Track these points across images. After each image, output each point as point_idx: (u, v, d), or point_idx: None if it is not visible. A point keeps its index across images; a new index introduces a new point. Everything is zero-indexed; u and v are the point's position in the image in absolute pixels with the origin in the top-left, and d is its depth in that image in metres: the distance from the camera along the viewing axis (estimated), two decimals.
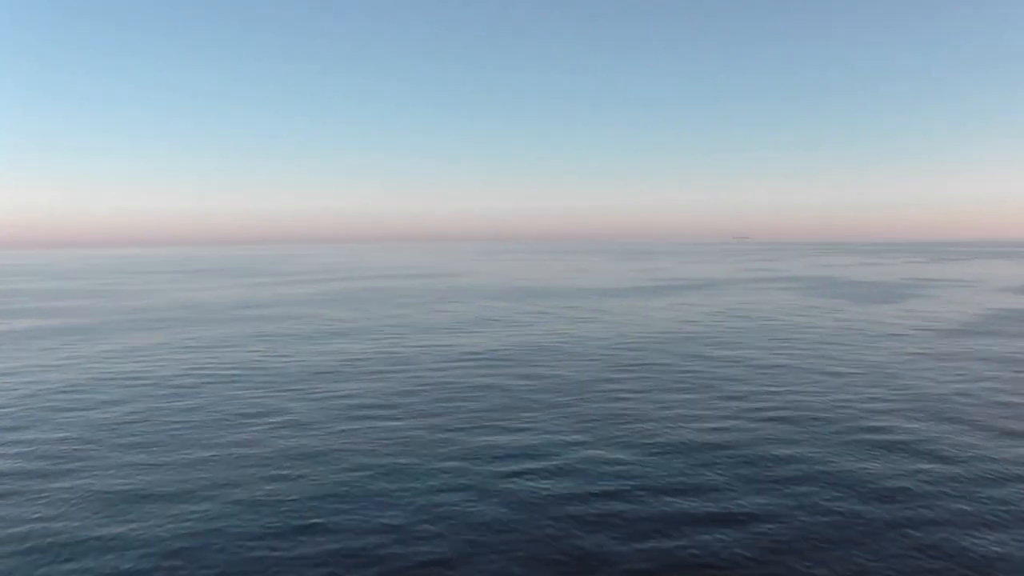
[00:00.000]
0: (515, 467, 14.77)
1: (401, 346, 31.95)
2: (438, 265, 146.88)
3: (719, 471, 14.33)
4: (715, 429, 17.50)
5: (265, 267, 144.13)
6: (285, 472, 14.62)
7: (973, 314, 43.20)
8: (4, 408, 20.59)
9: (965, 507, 12.33)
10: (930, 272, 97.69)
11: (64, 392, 22.79)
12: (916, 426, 17.56)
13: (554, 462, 15.04)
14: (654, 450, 15.80)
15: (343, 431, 17.71)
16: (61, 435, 17.55)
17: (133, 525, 11.91)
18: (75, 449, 16.33)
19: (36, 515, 12.36)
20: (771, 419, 18.43)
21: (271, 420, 18.90)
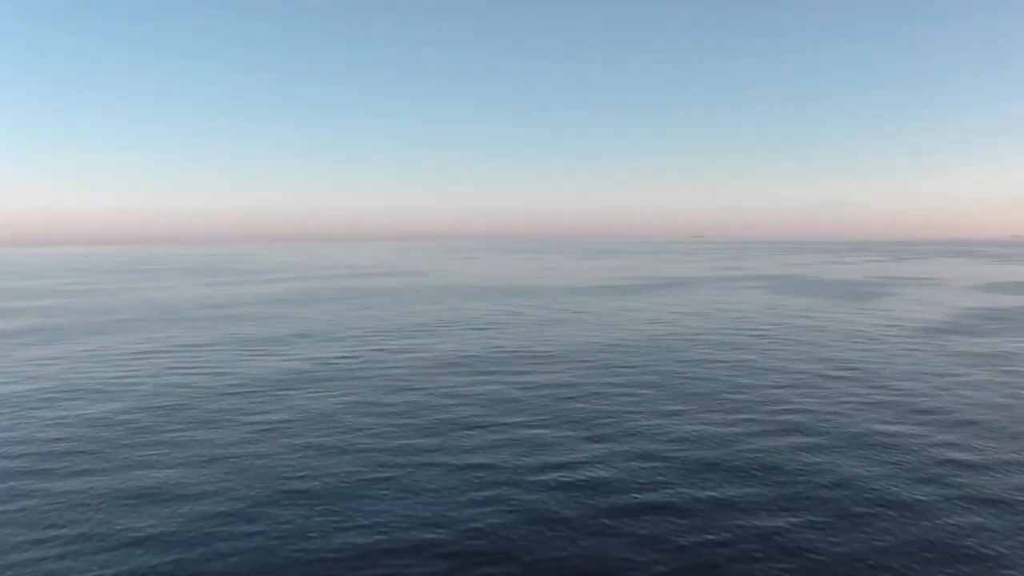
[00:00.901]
0: (515, 474, 14.35)
1: (389, 347, 31.28)
2: (419, 264, 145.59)
3: (723, 475, 14.18)
4: (716, 433, 17.37)
5: (259, 266, 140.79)
6: (272, 481, 13.93)
7: (949, 312, 44.35)
8: None
9: (971, 508, 12.37)
10: (895, 271, 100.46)
11: (28, 397, 21.49)
12: (913, 427, 17.75)
13: (556, 467, 14.70)
14: (658, 453, 15.58)
15: (333, 434, 17.07)
16: (27, 441, 16.47)
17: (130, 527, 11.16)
18: (46, 454, 15.31)
19: (18, 519, 11.56)
20: (767, 422, 18.40)
21: (250, 422, 18.04)
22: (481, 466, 14.89)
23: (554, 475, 14.32)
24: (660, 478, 14.08)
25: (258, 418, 19.11)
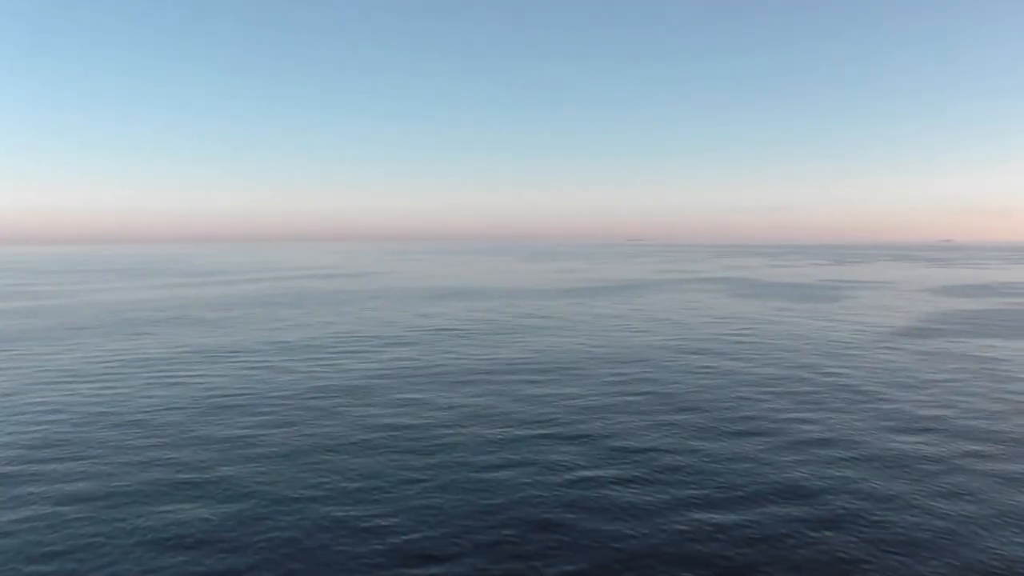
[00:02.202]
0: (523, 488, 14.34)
1: (360, 354, 30.69)
2: (367, 266, 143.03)
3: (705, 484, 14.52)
4: (721, 445, 17.67)
5: (196, 267, 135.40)
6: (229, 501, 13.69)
7: (911, 314, 46.30)
8: None
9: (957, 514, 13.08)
10: (844, 274, 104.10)
11: None
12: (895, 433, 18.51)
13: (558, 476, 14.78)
14: (658, 468, 15.81)
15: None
16: None
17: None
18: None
19: None
20: (743, 432, 18.83)
21: (210, 435, 17.59)
22: (470, 471, 14.80)
23: (558, 485, 14.29)
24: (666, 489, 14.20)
25: (222, 432, 18.46)
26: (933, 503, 13.00)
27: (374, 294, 65.04)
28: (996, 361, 28.17)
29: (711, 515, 12.51)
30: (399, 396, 22.09)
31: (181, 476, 14.57)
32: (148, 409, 20.44)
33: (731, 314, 46.54)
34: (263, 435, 17.67)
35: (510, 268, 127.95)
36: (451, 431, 18.01)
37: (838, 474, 14.62)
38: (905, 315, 45.89)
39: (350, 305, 53.99)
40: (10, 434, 17.77)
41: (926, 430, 17.97)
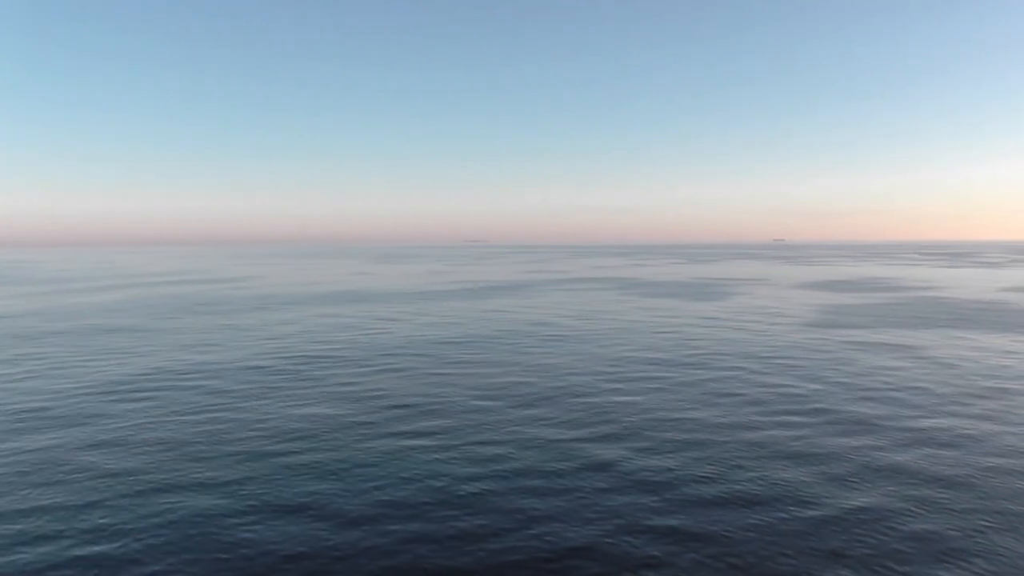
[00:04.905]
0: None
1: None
2: (220, 270, 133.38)
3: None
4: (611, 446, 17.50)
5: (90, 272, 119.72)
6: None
7: (808, 309, 49.09)
8: None
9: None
10: (710, 272, 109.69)
11: None
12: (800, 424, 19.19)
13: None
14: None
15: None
16: None
17: None
18: None
19: None
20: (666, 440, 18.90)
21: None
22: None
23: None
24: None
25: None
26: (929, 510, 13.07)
27: (250, 301, 60.55)
28: (931, 351, 30.01)
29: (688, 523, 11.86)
30: (327, 428, 20.08)
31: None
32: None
33: (634, 315, 47.03)
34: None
35: (369, 271, 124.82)
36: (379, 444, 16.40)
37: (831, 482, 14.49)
38: (803, 310, 48.44)
39: (235, 315, 49.82)
40: None
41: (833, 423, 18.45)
